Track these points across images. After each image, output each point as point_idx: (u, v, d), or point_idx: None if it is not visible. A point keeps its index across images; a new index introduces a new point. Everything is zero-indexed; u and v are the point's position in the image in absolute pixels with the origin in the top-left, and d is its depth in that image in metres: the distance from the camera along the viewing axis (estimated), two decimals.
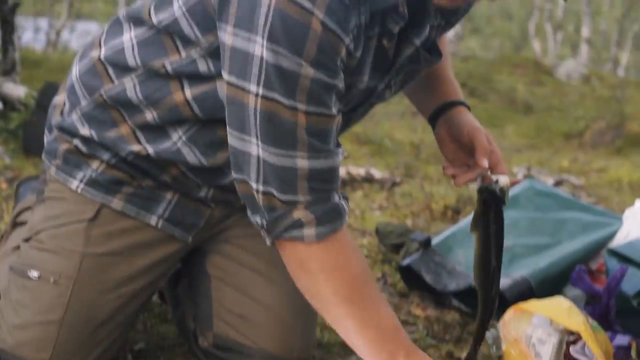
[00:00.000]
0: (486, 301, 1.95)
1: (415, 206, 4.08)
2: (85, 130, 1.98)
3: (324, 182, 1.76)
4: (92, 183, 2.01)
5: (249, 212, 1.81)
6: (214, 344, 2.18)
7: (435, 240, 3.03)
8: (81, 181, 2.02)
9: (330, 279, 1.77)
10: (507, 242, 2.92)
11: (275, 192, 1.73)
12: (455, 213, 3.90)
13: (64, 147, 2.02)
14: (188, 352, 2.29)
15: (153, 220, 2.05)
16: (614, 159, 6.64)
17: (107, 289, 2.03)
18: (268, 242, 1.80)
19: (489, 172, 1.95)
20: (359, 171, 4.66)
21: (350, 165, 4.90)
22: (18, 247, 2.16)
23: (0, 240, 2.22)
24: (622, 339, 2.30)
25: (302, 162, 1.71)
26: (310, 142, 1.70)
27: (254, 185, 1.74)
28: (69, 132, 2.01)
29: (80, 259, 2.01)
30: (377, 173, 4.76)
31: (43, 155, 2.10)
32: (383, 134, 6.47)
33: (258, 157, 1.71)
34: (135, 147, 1.96)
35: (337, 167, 1.78)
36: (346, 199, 1.89)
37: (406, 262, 2.93)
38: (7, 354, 1.99)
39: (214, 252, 2.20)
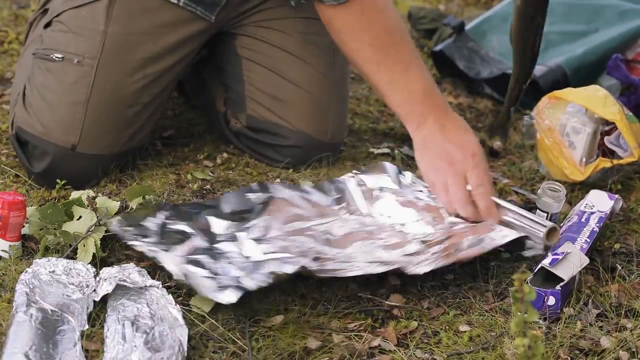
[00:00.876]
0: (524, 57, 1.94)
1: None
2: None
3: None
4: None
5: None
6: (247, 125, 2.20)
7: (469, 26, 2.97)
8: None
9: (353, 39, 1.91)
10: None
11: None
12: None
13: None
14: (219, 137, 2.30)
15: None
16: None
17: (131, 69, 2.03)
18: (293, 2, 1.95)
19: None
20: None
21: None
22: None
23: (30, 28, 2.19)
24: None
25: None
26: None
27: None
28: None
29: (102, 39, 2.01)
30: None
31: None
32: None
33: None
34: None
35: None
36: None
37: (439, 47, 2.89)
38: (38, 139, 2.01)
39: (242, 35, 2.18)
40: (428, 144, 1.92)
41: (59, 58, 2.02)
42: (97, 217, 1.78)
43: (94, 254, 1.72)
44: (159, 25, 2.04)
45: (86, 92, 2.00)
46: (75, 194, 1.88)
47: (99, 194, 1.93)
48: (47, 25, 2.09)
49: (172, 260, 1.68)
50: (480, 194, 1.87)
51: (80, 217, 1.80)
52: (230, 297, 1.57)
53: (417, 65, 1.94)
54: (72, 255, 1.74)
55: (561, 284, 1.68)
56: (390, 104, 1.98)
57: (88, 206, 1.81)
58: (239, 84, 2.19)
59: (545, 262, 1.72)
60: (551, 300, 1.67)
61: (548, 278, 1.71)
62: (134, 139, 2.09)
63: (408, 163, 2.28)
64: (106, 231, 1.78)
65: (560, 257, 1.72)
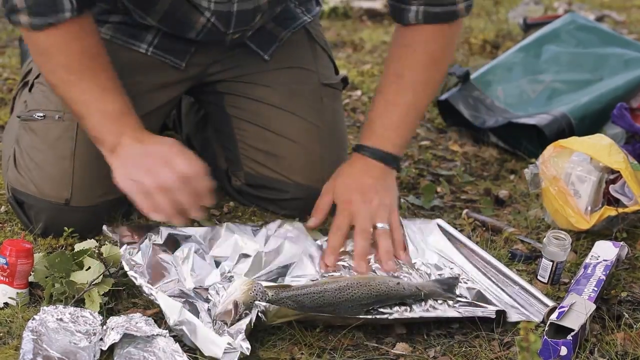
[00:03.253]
0: None
1: None
2: None
3: None
4: None
5: None
6: (246, 182, 2.22)
7: (474, 75, 2.99)
8: None
9: (48, 61, 1.89)
10: (547, 77, 2.91)
11: None
12: (494, 48, 3.83)
13: None
14: (222, 192, 2.31)
15: (142, 48, 2.10)
16: None
17: None
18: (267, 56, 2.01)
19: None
20: None
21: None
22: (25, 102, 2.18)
23: (14, 102, 2.25)
24: None
25: None
26: None
27: None
28: None
29: None
30: None
31: None
32: None
33: None
34: None
35: None
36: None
37: (444, 96, 2.91)
38: (32, 198, 2.02)
39: (228, 93, 2.22)
40: (127, 160, 1.87)
41: (41, 117, 2.07)
42: (106, 268, 1.79)
43: (100, 303, 1.73)
44: (130, 71, 2.05)
45: (71, 146, 2.03)
46: (82, 245, 1.88)
47: (106, 242, 1.94)
48: (30, 89, 2.15)
49: (169, 306, 1.67)
50: (188, 175, 1.84)
51: (90, 267, 1.80)
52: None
53: (114, 89, 1.90)
54: (79, 304, 1.74)
55: (572, 333, 1.68)
56: (85, 126, 1.92)
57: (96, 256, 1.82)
58: (232, 142, 2.22)
59: (553, 317, 1.72)
60: (564, 351, 1.67)
61: (558, 330, 1.71)
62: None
63: (414, 212, 2.29)
64: (113, 284, 1.79)
65: (566, 309, 1.73)
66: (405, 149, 2.04)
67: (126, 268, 1.79)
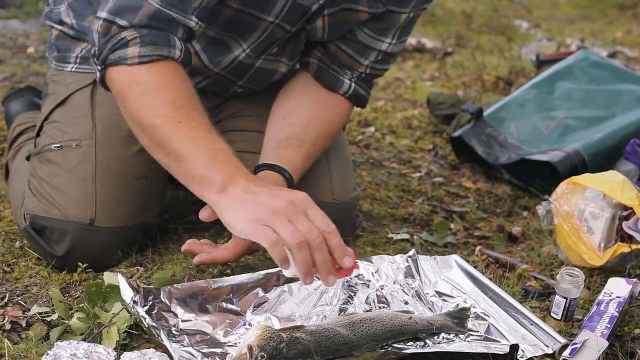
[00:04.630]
0: None
1: (467, 77, 4.03)
2: (68, 19, 2.24)
3: (163, 22, 1.82)
4: (84, 60, 2.21)
5: (91, 53, 1.88)
6: None
7: (487, 112, 3.01)
8: (75, 62, 2.23)
9: (153, 99, 1.79)
10: (560, 114, 2.92)
11: (117, 19, 1.81)
12: (507, 84, 3.85)
13: (54, 35, 2.27)
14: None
15: None
16: None
17: (126, 142, 2.09)
18: (98, 75, 1.86)
19: None
20: (410, 41, 4.59)
21: None
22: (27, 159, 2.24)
23: (6, 168, 2.32)
24: None
25: (152, 2, 1.80)
26: None
27: (103, 15, 1.82)
28: (56, 20, 2.27)
29: (93, 122, 2.12)
30: (428, 42, 4.69)
31: (47, 54, 2.33)
32: (434, 2, 6.34)
33: None
34: None
35: (181, 23, 1.84)
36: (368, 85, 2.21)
37: (457, 133, 2.93)
38: (56, 221, 2.05)
39: (227, 131, 2.21)
40: (248, 200, 1.71)
41: (58, 147, 2.12)
42: (128, 303, 1.80)
43: (117, 340, 1.74)
44: None
45: (91, 168, 2.08)
46: (107, 277, 1.90)
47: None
48: (38, 133, 2.21)
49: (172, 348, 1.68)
50: (332, 231, 1.69)
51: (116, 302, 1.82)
52: None
53: (219, 133, 1.83)
54: (94, 340, 1.75)
55: None
56: (186, 167, 1.78)
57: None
58: None
59: (566, 353, 1.72)
60: None
61: None
62: (148, 211, 2.13)
63: (427, 248, 2.29)
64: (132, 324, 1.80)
65: (579, 345, 1.72)
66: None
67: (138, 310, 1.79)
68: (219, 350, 1.75)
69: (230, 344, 1.78)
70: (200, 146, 1.76)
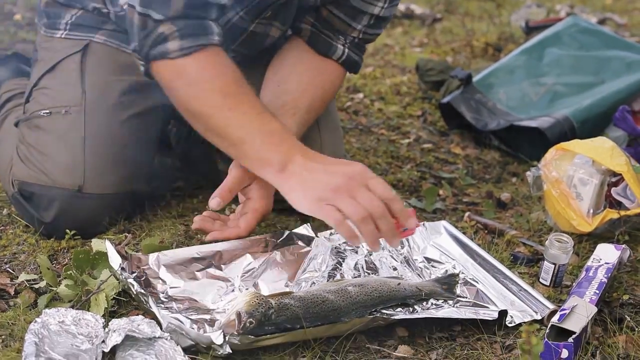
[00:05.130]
0: None
1: (456, 43, 4.01)
2: None
3: (197, 9, 1.82)
4: (74, 27, 2.17)
5: (129, 45, 1.89)
6: None
7: (476, 78, 3.00)
8: (65, 29, 2.19)
9: (201, 90, 1.82)
10: (549, 80, 2.91)
11: (151, 12, 1.80)
12: (496, 51, 3.84)
13: (43, 1, 2.24)
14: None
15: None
16: None
17: (115, 110, 2.09)
18: (143, 69, 1.89)
19: None
20: (399, 7, 4.56)
21: None
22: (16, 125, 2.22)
23: None
24: None
25: None
26: None
27: (136, 7, 1.81)
28: None
29: (82, 89, 2.11)
30: (417, 9, 4.66)
31: (36, 21, 2.30)
32: None
33: None
34: (98, 4, 2.11)
35: (213, 2, 1.84)
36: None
37: (446, 99, 2.92)
38: (44, 188, 2.04)
39: None
40: (308, 178, 1.74)
41: (47, 113, 2.10)
42: (116, 270, 1.79)
43: (105, 307, 1.73)
44: (125, 68, 2.11)
45: (81, 135, 2.06)
46: (95, 243, 1.90)
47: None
48: (27, 100, 2.19)
49: (161, 315, 1.68)
50: (393, 198, 1.73)
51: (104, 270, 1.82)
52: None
53: (271, 113, 1.85)
54: (82, 307, 1.75)
55: (573, 336, 1.68)
56: (244, 152, 1.82)
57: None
58: None
59: (554, 319, 1.72)
60: (565, 353, 1.67)
61: (560, 333, 1.71)
62: (137, 178, 2.12)
63: (416, 215, 2.29)
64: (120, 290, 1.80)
65: (567, 311, 1.73)
66: None
67: (125, 275, 1.78)
68: (207, 316, 1.75)
69: (218, 310, 1.78)
70: (254, 130, 1.80)
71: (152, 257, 1.86)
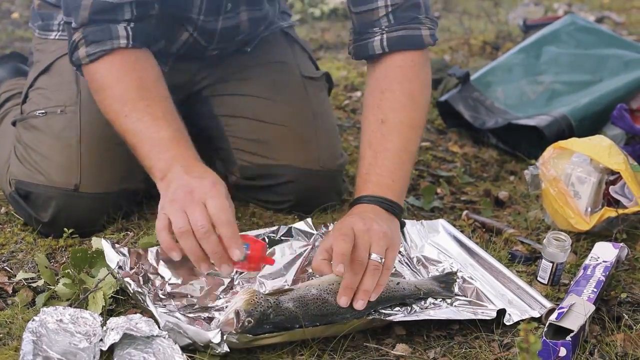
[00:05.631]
0: None
1: (454, 41, 4.01)
2: None
3: (104, 13, 1.85)
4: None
5: None
6: (242, 176, 2.24)
7: (474, 76, 2.99)
8: (58, 30, 2.22)
9: (106, 97, 1.86)
10: (547, 78, 2.91)
11: (71, 20, 1.88)
12: (494, 49, 3.84)
13: (36, 4, 2.25)
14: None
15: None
16: None
17: None
18: (80, 74, 1.94)
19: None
20: None
21: None
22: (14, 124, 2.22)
23: None
24: None
25: None
26: None
27: (64, 16, 1.91)
28: None
29: (77, 88, 2.12)
30: None
31: (30, 25, 2.33)
32: None
33: None
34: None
35: (116, 7, 1.86)
36: None
37: (444, 97, 2.91)
38: (41, 187, 2.04)
39: (215, 95, 2.26)
40: (171, 186, 1.73)
41: (42, 114, 2.11)
42: (114, 268, 1.79)
43: (103, 305, 1.73)
44: None
45: (76, 134, 2.07)
46: (96, 241, 1.92)
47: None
48: (24, 101, 2.20)
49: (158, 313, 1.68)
50: (223, 222, 1.66)
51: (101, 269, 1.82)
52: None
53: (168, 119, 1.83)
54: (80, 305, 1.74)
55: (571, 334, 1.68)
56: (139, 157, 1.83)
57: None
58: (224, 141, 2.25)
59: (552, 317, 1.72)
60: (562, 352, 1.67)
61: (558, 331, 1.71)
62: (133, 177, 2.11)
63: (414, 213, 2.29)
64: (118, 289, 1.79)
65: (565, 309, 1.73)
66: (403, 196, 1.91)
67: (120, 274, 1.78)
68: (205, 314, 1.75)
69: (217, 308, 1.78)
70: (144, 137, 1.81)
71: (152, 252, 1.86)
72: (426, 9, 1.97)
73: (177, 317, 1.70)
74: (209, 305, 1.79)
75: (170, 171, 1.75)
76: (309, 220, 2.04)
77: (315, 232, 2.01)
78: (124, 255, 1.83)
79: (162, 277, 1.84)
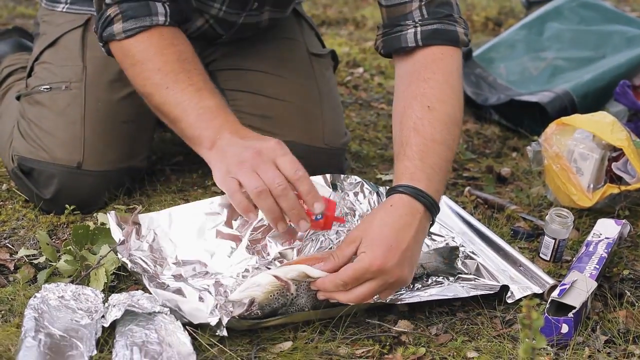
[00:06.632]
0: None
1: None
2: None
3: None
4: (75, 0, 2.18)
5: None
6: None
7: (476, 52, 2.98)
8: (65, 2, 2.20)
9: (143, 70, 1.82)
10: (550, 54, 2.90)
11: None
12: (496, 25, 3.82)
13: None
14: None
15: None
16: None
17: (115, 85, 2.10)
18: (104, 51, 1.90)
19: None
20: None
21: None
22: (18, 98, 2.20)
23: None
24: None
25: None
26: None
27: None
28: None
29: (83, 64, 2.11)
30: None
31: None
32: None
33: None
34: None
35: None
36: None
37: None
38: (43, 164, 2.04)
39: (221, 69, 2.25)
40: (227, 153, 1.70)
41: (47, 89, 2.10)
42: (118, 243, 1.79)
43: (105, 282, 1.73)
44: None
45: (80, 111, 2.07)
46: (102, 216, 1.92)
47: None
48: (29, 74, 2.19)
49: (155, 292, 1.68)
50: (300, 178, 1.65)
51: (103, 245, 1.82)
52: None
53: (210, 89, 1.82)
54: (82, 282, 1.74)
55: (573, 311, 1.68)
56: (182, 129, 1.80)
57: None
58: None
59: (554, 294, 1.72)
60: (565, 328, 1.67)
61: (560, 308, 1.71)
62: (136, 155, 2.12)
63: None
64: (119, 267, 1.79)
65: (567, 286, 1.73)
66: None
67: (119, 256, 1.78)
68: (212, 281, 1.76)
69: (225, 275, 1.78)
70: (188, 107, 1.77)
71: (164, 214, 1.86)
72: (458, 8, 1.92)
73: (181, 290, 1.69)
74: (217, 271, 1.79)
75: (220, 139, 1.72)
76: (328, 176, 1.99)
77: (330, 190, 1.97)
78: (136, 223, 1.82)
79: (173, 243, 1.83)
